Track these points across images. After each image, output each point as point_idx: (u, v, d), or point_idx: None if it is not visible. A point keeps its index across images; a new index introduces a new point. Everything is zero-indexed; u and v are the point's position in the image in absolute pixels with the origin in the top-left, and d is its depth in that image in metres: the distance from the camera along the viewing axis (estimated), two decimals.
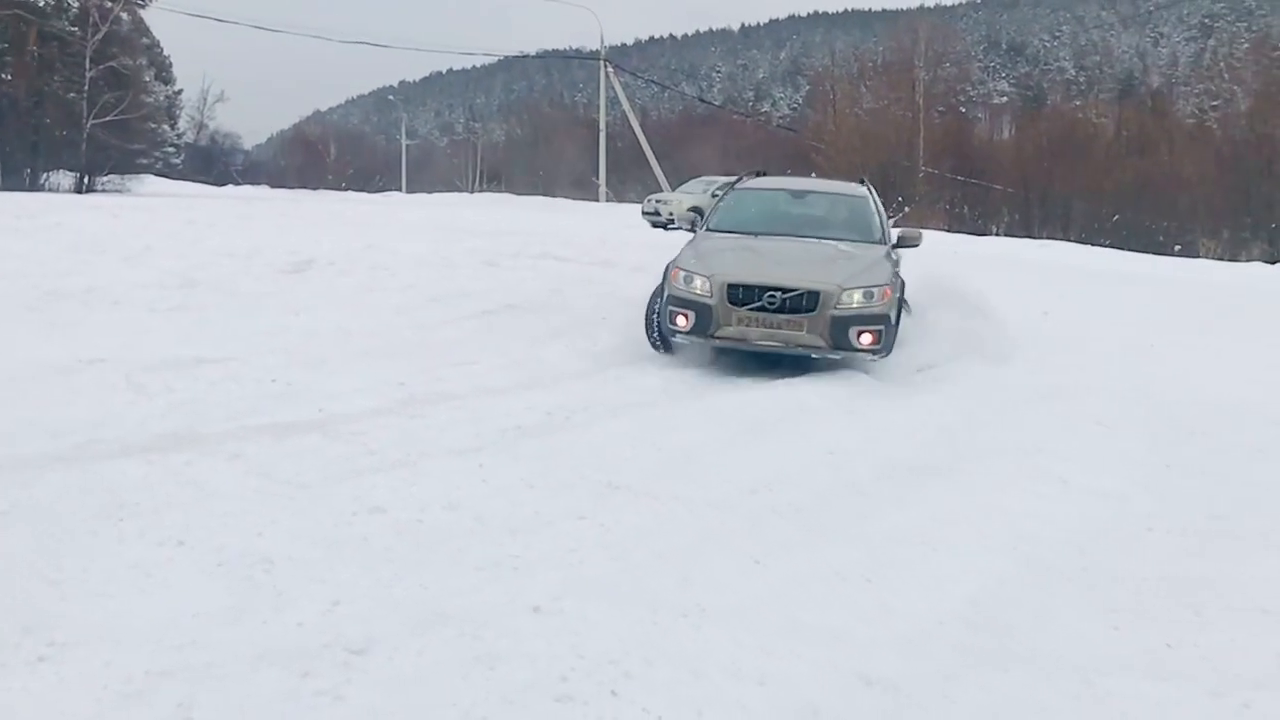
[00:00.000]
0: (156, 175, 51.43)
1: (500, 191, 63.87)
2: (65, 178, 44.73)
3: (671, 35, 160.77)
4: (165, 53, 59.84)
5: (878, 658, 3.33)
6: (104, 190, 42.52)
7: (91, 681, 2.88)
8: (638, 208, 32.11)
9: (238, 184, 57.20)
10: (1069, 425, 6.75)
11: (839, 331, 7.38)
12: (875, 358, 7.52)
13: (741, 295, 7.43)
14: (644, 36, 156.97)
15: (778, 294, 7.36)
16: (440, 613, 3.45)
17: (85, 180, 44.08)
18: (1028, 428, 6.57)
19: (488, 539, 4.14)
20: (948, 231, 34.02)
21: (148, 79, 54.62)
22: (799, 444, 5.85)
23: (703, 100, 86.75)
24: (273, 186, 54.87)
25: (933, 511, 4.85)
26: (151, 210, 20.36)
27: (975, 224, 47.35)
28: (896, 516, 4.76)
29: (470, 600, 3.59)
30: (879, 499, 5.01)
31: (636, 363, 7.80)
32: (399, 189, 63.28)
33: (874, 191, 9.48)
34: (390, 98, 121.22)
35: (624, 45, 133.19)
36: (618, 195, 49.63)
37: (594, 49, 48.49)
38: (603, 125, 46.73)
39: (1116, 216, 47.55)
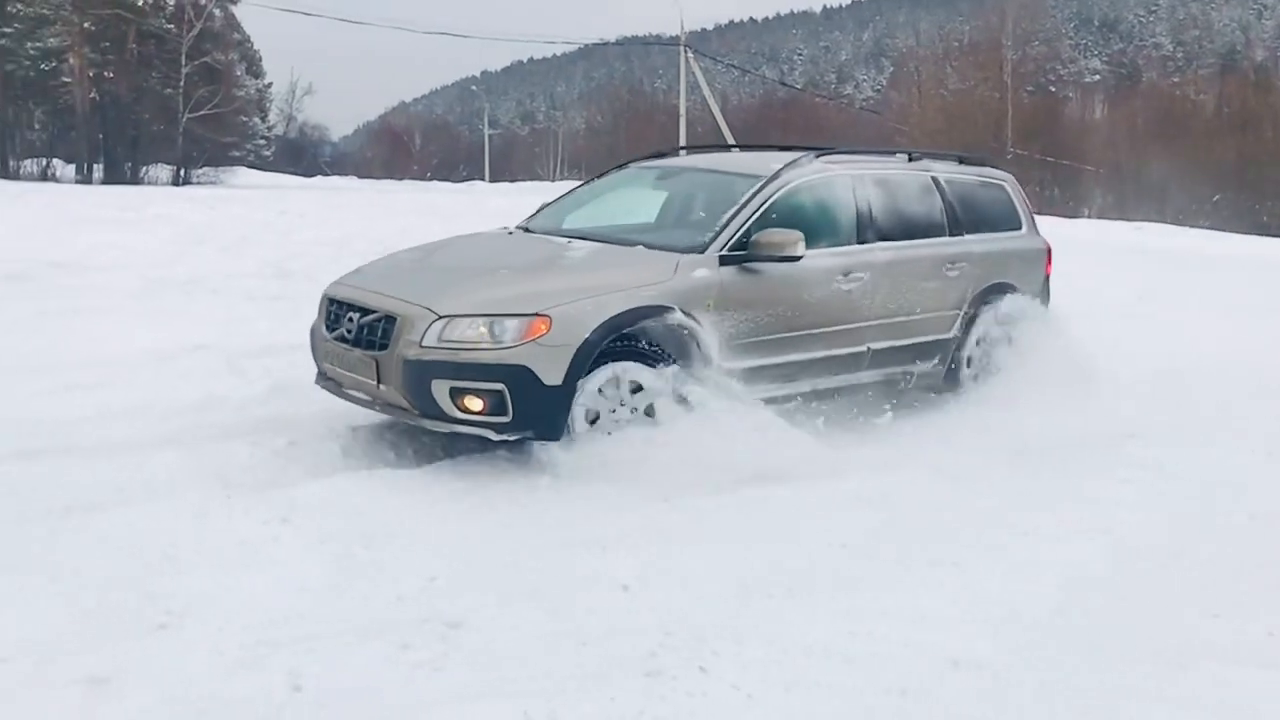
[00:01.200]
0: (248, 167, 52.86)
1: (581, 179, 64.11)
2: (163, 171, 46.29)
3: (752, 19, 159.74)
4: (255, 47, 61.43)
5: (967, 640, 3.32)
6: (199, 182, 43.92)
7: (207, 648, 3.04)
8: None
9: (326, 175, 58.47)
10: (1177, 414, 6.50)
11: (416, 385, 4.72)
12: (502, 435, 4.76)
13: (333, 316, 5.19)
14: (724, 21, 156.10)
15: (356, 316, 5.02)
16: (532, 589, 3.55)
17: (182, 173, 45.58)
18: (1123, 414, 6.39)
19: (577, 517, 4.24)
20: (1038, 214, 33.22)
21: (239, 73, 56.16)
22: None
23: (784, 84, 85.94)
24: (360, 177, 55.99)
25: (1022, 496, 4.80)
26: (246, 202, 21.01)
27: (1066, 206, 46.16)
28: (985, 502, 4.72)
29: (561, 577, 3.68)
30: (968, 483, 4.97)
31: None
32: (482, 178, 64.06)
33: (810, 167, 6.04)
34: (473, 88, 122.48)
35: (704, 30, 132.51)
36: None
37: (674, 35, 48.35)
38: (682, 111, 46.64)
39: (1217, 197, 45.90)
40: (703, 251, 5.33)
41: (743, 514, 4.42)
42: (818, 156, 6.15)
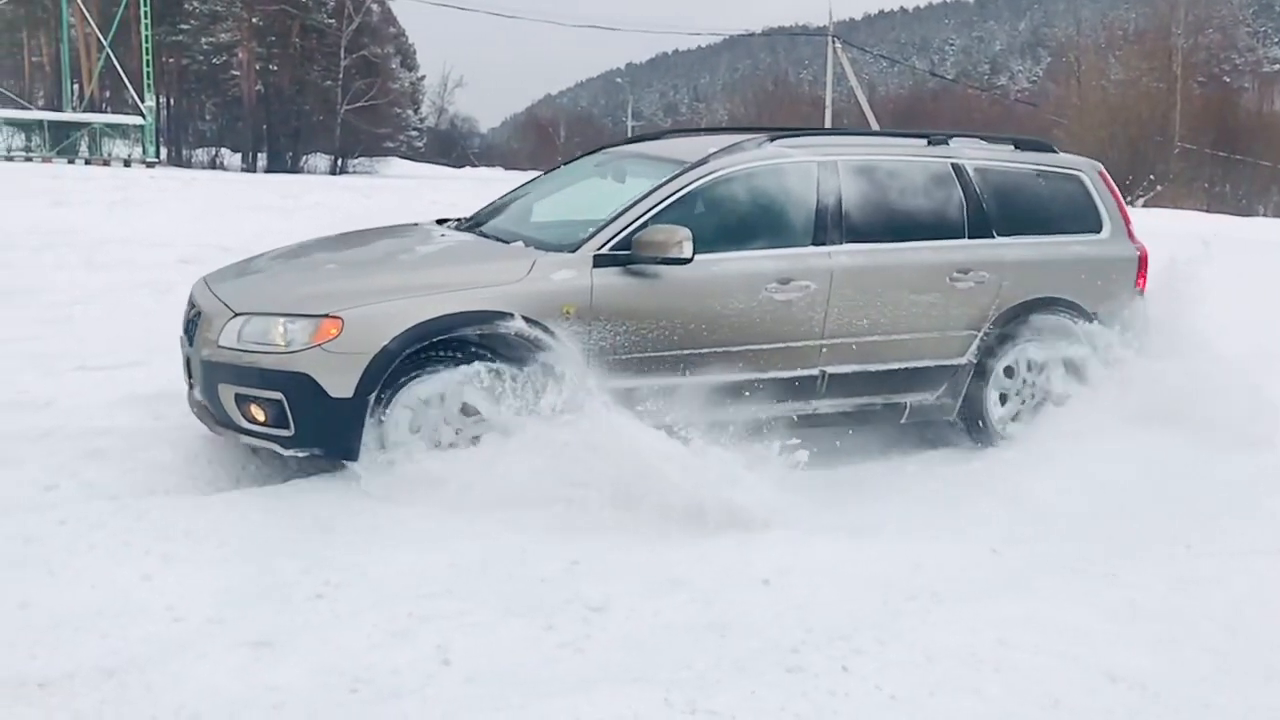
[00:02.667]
0: (401, 158, 54.68)
1: None
2: (321, 160, 48.37)
3: (903, 8, 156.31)
4: (410, 41, 63.42)
5: (1124, 655, 3.18)
6: (355, 172, 45.72)
7: (362, 620, 3.16)
8: None
9: (474, 166, 59.99)
10: None
11: (208, 388, 4.35)
12: (290, 451, 4.24)
13: (188, 315, 4.74)
14: (874, 10, 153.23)
15: (188, 310, 4.71)
16: (673, 578, 3.56)
17: (339, 163, 47.51)
18: None
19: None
20: (1206, 212, 31.50)
21: (394, 66, 58.12)
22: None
23: (934, 74, 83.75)
24: (506, 169, 57.26)
25: (1187, 508, 4.55)
26: (399, 191, 21.74)
27: (1239, 204, 43.58)
28: (1147, 514, 4.50)
29: (702, 569, 3.68)
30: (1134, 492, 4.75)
31: None
32: None
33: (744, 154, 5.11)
34: (618, 80, 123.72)
35: (852, 20, 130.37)
36: None
37: (821, 25, 47.74)
38: (829, 102, 45.99)
39: None
40: (573, 250, 4.57)
41: (882, 512, 4.34)
42: (772, 140, 5.19)
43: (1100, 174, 5.91)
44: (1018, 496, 4.67)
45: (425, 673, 2.90)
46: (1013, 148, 5.81)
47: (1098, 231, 5.79)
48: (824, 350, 4.99)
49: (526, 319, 4.32)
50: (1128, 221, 5.89)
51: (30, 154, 39.08)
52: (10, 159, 37.09)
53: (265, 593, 3.32)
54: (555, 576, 3.55)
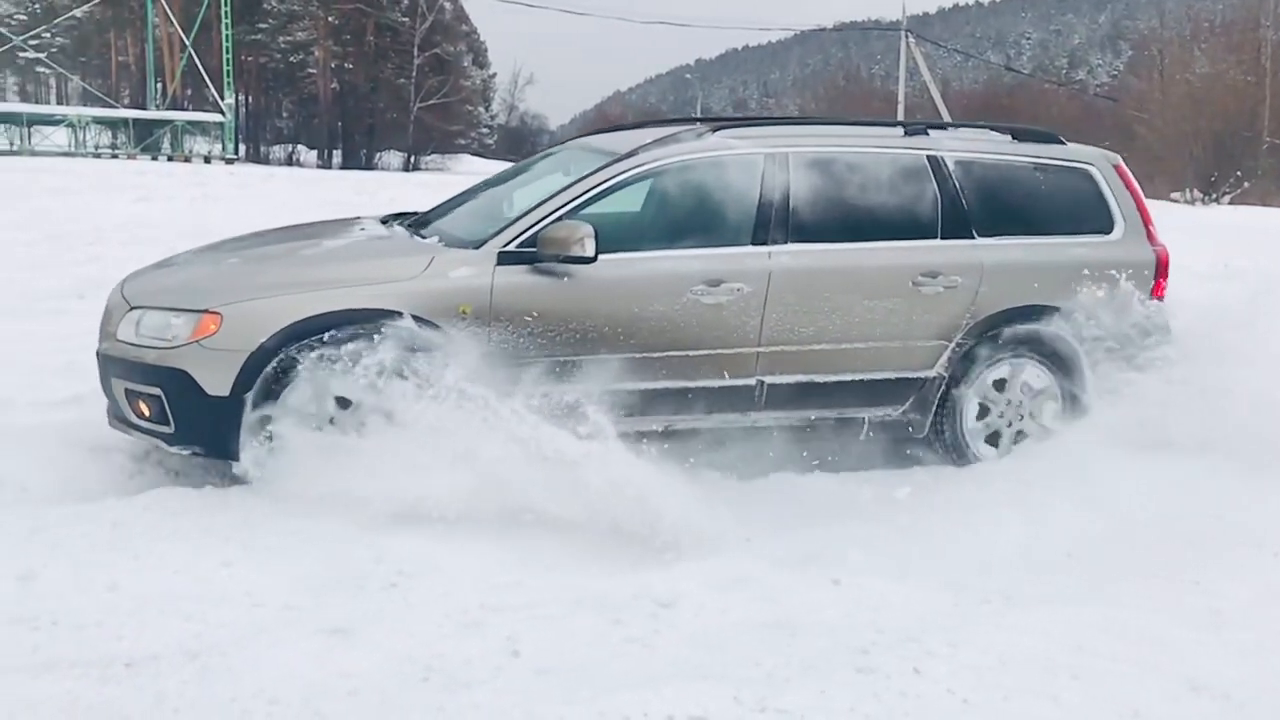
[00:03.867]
0: (472, 155, 55.28)
1: None
2: (394, 157, 49.15)
3: (978, 2, 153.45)
4: (481, 39, 64.06)
5: (1207, 665, 3.09)
6: (427, 169, 46.33)
7: (433, 609, 3.20)
8: None
9: None
10: None
11: (106, 383, 4.36)
12: (173, 448, 4.22)
13: None
14: (948, 4, 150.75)
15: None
16: (742, 575, 3.55)
17: (411, 159, 48.20)
18: None
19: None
20: None
21: (466, 64, 58.77)
22: None
23: (1010, 69, 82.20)
24: None
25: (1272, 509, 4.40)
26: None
27: None
28: (1230, 517, 4.36)
29: (770, 566, 3.66)
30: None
31: None
32: None
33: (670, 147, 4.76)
34: (687, 76, 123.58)
35: (926, 14, 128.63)
36: None
37: (894, 19, 47.11)
38: (901, 98, 45.38)
39: None
40: (477, 247, 4.36)
41: (956, 514, 4.27)
42: (715, 130, 4.86)
43: (1116, 168, 5.28)
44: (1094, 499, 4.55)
45: (495, 664, 2.93)
46: (1010, 138, 5.27)
47: (1107, 232, 5.15)
48: (761, 358, 4.59)
49: (416, 318, 4.11)
50: (1147, 221, 5.23)
51: (116, 151, 40.29)
52: (98, 156, 38.29)
53: (340, 582, 3.38)
54: (623, 571, 3.56)
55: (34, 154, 35.85)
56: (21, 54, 50.67)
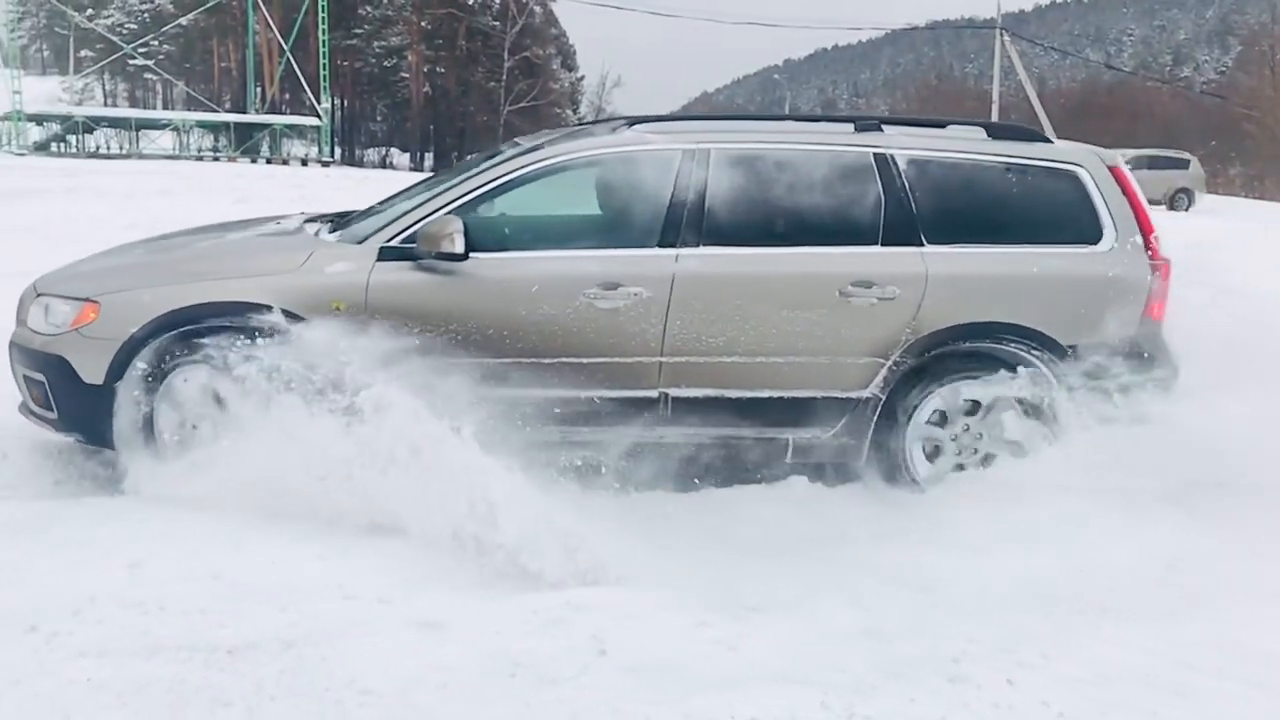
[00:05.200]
0: None
1: None
2: None
3: None
4: (570, 41, 64.63)
5: None
6: None
7: (521, 606, 3.23)
8: None
9: None
10: None
11: (13, 370, 4.44)
12: (62, 434, 4.34)
13: None
14: (1045, 1, 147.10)
15: None
16: (830, 580, 3.52)
17: None
18: None
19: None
20: None
21: (555, 67, 59.39)
22: None
23: (1110, 66, 79.89)
24: None
25: None
26: None
27: None
28: None
29: (857, 572, 3.62)
30: None
31: None
32: None
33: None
34: (775, 76, 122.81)
35: (1022, 12, 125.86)
36: None
37: (989, 17, 46.15)
38: (995, 97, 44.47)
39: None
40: (360, 242, 4.27)
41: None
42: (632, 124, 4.60)
43: (1112, 170, 4.59)
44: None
45: (582, 661, 2.94)
46: (984, 136, 4.69)
47: (1094, 242, 4.50)
48: (664, 369, 4.27)
49: (286, 313, 4.01)
50: (1146, 230, 4.54)
51: (218, 154, 41.67)
52: (201, 159, 39.65)
53: (431, 576, 3.43)
54: (710, 573, 3.55)
55: (141, 157, 37.31)
56: (131, 61, 52.76)
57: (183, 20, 50.85)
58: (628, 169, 4.42)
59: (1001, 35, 42.65)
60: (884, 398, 4.38)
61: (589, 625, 3.15)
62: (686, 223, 4.31)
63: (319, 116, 42.94)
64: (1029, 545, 3.94)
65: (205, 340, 4.02)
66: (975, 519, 4.13)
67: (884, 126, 4.65)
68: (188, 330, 4.06)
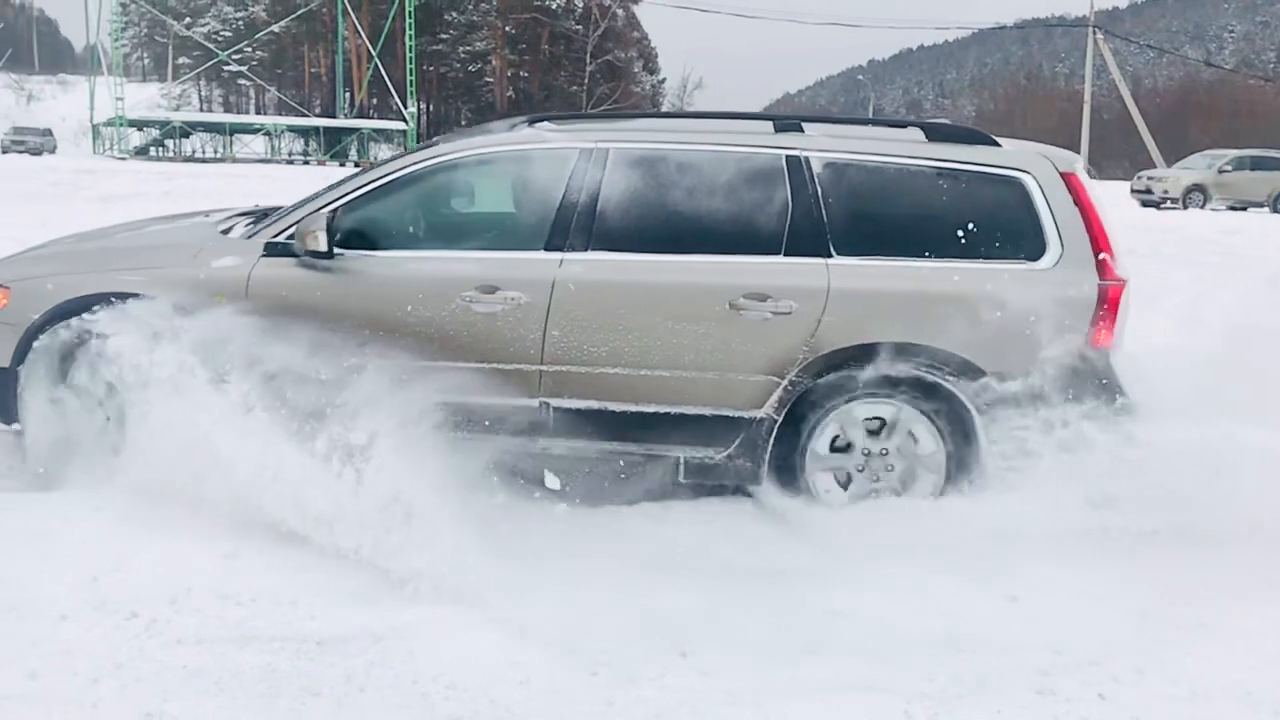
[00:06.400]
0: None
1: None
2: None
3: None
4: (652, 44, 64.80)
5: None
6: None
7: (605, 604, 3.25)
8: (1121, 185, 29.74)
9: None
10: None
11: None
12: None
13: None
14: None
15: None
16: (914, 587, 3.47)
17: None
18: None
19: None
20: None
21: (636, 70, 59.62)
22: None
23: (1210, 64, 77.33)
24: None
25: None
26: None
27: None
28: None
29: (946, 582, 3.56)
30: None
31: None
32: None
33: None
34: (859, 77, 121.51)
35: (1115, 9, 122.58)
36: (1099, 171, 46.00)
37: (1080, 15, 45.06)
38: (1087, 97, 43.34)
39: None
40: (251, 236, 4.28)
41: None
42: (533, 122, 4.43)
43: (1065, 177, 4.11)
44: None
45: (663, 663, 2.96)
46: (922, 137, 4.27)
47: (1034, 258, 4.05)
48: (545, 379, 4.06)
49: (174, 306, 4.03)
50: (1100, 246, 4.05)
51: (308, 157, 42.73)
52: (291, 162, 40.69)
53: (507, 574, 3.46)
54: (789, 576, 3.53)
55: (235, 161, 38.45)
56: (226, 68, 54.40)
57: (275, 27, 52.24)
58: (520, 168, 4.27)
59: (1094, 33, 41.59)
60: (779, 419, 4.05)
61: (671, 626, 3.16)
62: (576, 226, 4.09)
63: (405, 121, 43.77)
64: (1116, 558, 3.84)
65: (92, 330, 4.07)
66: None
67: (805, 127, 4.31)
68: (77, 319, 4.13)
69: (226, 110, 62.51)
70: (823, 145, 4.18)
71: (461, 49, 54.07)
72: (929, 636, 3.18)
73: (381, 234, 4.18)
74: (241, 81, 59.76)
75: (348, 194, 4.21)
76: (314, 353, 3.84)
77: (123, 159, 37.45)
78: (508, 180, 4.32)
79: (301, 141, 44.69)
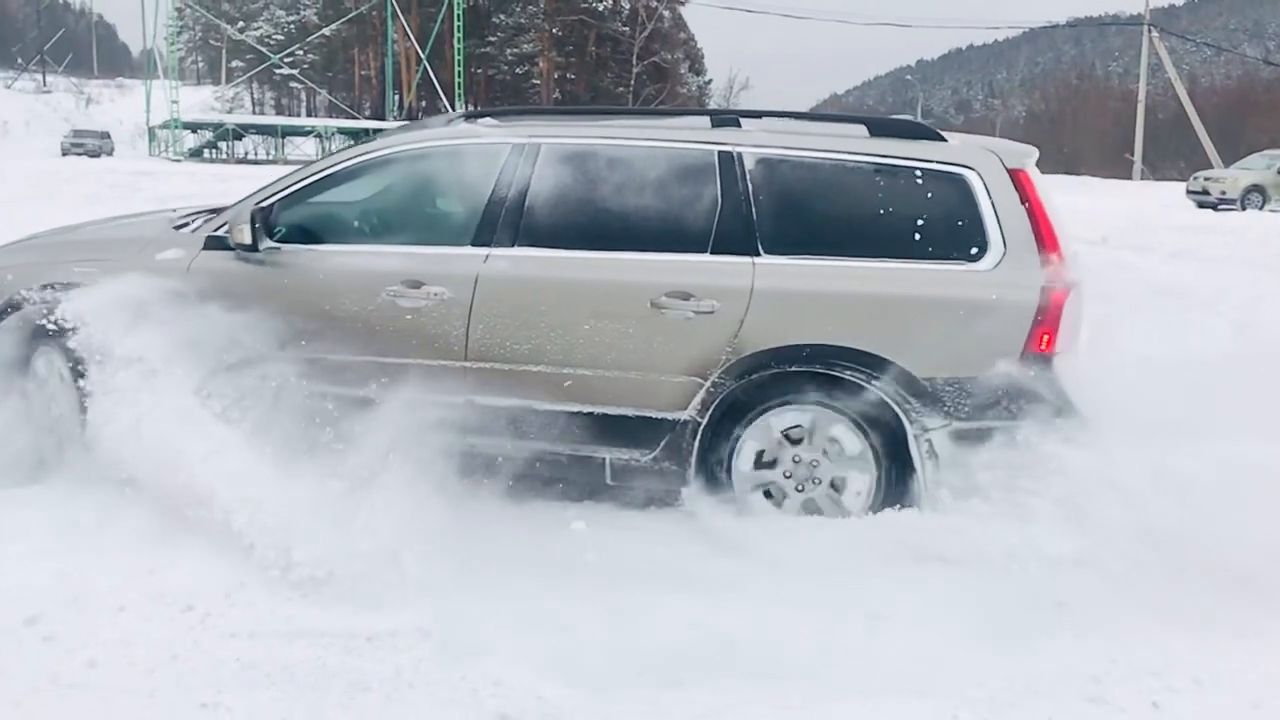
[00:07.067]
0: None
1: None
2: None
3: None
4: (699, 45, 64.72)
5: None
6: None
7: (654, 604, 3.25)
8: (1176, 186, 29.23)
9: None
10: None
11: None
12: None
13: None
14: None
15: None
16: (961, 590, 3.43)
17: None
18: None
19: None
20: None
21: (682, 71, 59.60)
22: None
23: (1269, 62, 75.60)
24: None
25: None
26: None
27: None
28: None
29: (991, 589, 3.52)
30: None
31: None
32: None
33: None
34: (907, 77, 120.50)
35: (1172, 6, 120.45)
36: (1153, 172, 45.19)
37: (1135, 13, 44.31)
38: (1141, 96, 42.63)
39: None
40: (195, 230, 4.41)
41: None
42: (472, 118, 4.51)
43: (1014, 173, 3.94)
44: None
45: (711, 662, 2.95)
46: (864, 133, 4.14)
47: (974, 258, 3.86)
48: (469, 375, 4.00)
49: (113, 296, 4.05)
50: (1046, 246, 3.86)
51: None
52: None
53: (560, 575, 3.48)
54: (833, 578, 3.50)
55: (287, 162, 38.97)
56: (278, 71, 55.19)
57: (326, 31, 52.94)
58: (451, 163, 4.24)
59: (1150, 31, 40.87)
60: (703, 421, 3.93)
61: (720, 626, 3.15)
62: (503, 221, 4.06)
63: None
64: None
65: (40, 320, 4.13)
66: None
67: (743, 122, 4.24)
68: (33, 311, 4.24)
69: (278, 113, 63.48)
70: (757, 141, 4.08)
71: (509, 51, 54.42)
72: (978, 639, 3.13)
73: (314, 228, 4.24)
74: (293, 84, 60.63)
75: (284, 188, 4.29)
76: (233, 346, 3.94)
77: (178, 161, 38.14)
78: (440, 175, 4.29)
79: (352, 143, 45.20)
